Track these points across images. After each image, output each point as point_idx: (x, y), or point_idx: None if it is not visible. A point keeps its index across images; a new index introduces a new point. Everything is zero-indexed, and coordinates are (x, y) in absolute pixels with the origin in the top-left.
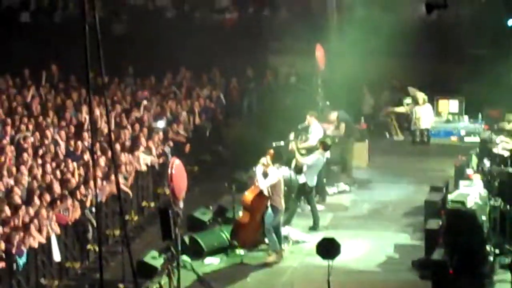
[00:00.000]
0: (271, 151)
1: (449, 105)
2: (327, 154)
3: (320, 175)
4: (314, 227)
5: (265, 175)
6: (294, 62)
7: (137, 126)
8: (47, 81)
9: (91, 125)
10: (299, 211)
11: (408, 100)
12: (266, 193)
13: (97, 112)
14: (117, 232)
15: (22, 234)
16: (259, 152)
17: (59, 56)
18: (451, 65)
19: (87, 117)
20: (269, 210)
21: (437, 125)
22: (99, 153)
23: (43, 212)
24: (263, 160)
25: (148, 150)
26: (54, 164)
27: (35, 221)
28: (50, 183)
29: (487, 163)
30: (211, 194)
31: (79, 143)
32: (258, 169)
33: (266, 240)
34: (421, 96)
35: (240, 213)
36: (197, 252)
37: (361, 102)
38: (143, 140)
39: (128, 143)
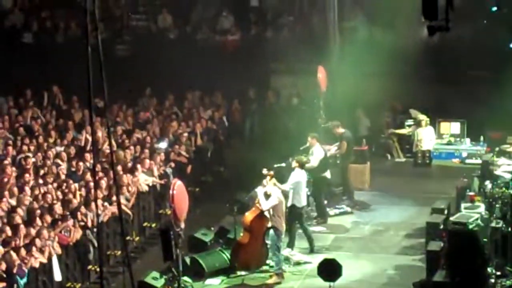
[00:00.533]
0: (271, 172)
1: (451, 127)
2: (327, 173)
3: (319, 196)
4: (311, 249)
5: (266, 196)
6: (296, 83)
7: (138, 147)
8: (49, 102)
9: (93, 146)
10: (299, 232)
11: (409, 122)
12: (267, 214)
13: (99, 133)
14: (118, 253)
15: (23, 254)
16: (260, 174)
17: (61, 77)
18: (452, 87)
19: (89, 138)
20: (271, 231)
21: (439, 147)
22: (100, 174)
23: (45, 232)
24: (264, 182)
25: (149, 171)
26: (55, 185)
27: (37, 241)
28: (51, 203)
29: (488, 185)
30: (212, 215)
31: (81, 163)
32: (259, 191)
33: (268, 261)
34: (423, 118)
35: (241, 234)
36: (198, 273)
37: (356, 124)
38: (146, 161)
39: (130, 164)
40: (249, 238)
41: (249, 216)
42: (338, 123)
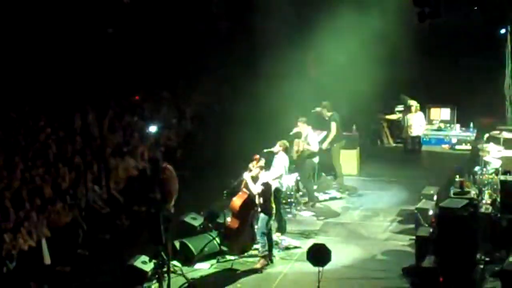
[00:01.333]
0: (257, 156)
1: (441, 113)
2: (316, 159)
3: (309, 180)
4: (279, 229)
5: (254, 180)
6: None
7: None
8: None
9: (83, 129)
10: (289, 216)
11: (399, 108)
12: (256, 198)
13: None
14: (108, 236)
15: (12, 237)
16: (250, 158)
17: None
18: (443, 73)
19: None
20: (261, 215)
21: (429, 133)
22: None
23: (34, 215)
24: (250, 165)
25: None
26: (44, 168)
27: (25, 224)
28: (40, 186)
29: (478, 171)
30: (202, 199)
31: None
32: (246, 175)
33: (256, 246)
34: (413, 103)
35: (228, 219)
36: (187, 257)
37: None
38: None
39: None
40: (238, 223)
41: (237, 201)
42: (327, 103)
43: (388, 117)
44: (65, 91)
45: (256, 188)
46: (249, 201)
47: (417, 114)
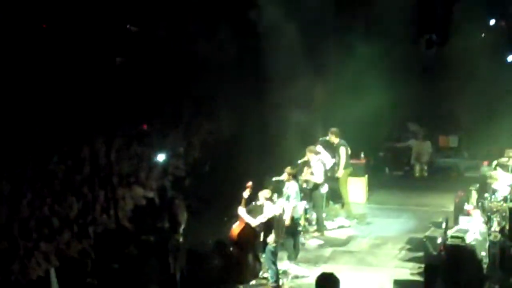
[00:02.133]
0: (249, 184)
1: (449, 141)
2: (325, 188)
3: (319, 209)
4: (290, 258)
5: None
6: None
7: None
8: None
9: (91, 159)
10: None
11: (408, 135)
12: (255, 226)
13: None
14: (116, 265)
15: (21, 267)
16: (259, 187)
17: None
18: (450, 100)
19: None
20: (266, 244)
21: (437, 161)
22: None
23: (42, 245)
24: (244, 194)
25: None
26: (52, 197)
27: (34, 253)
28: (48, 216)
29: (487, 198)
30: (210, 228)
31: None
32: (241, 210)
33: (266, 275)
34: (421, 131)
35: (230, 249)
36: (196, 286)
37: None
38: (141, 174)
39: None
40: (237, 251)
41: (235, 229)
42: (335, 130)
43: (396, 145)
44: (73, 120)
45: (256, 221)
46: (249, 230)
47: (425, 142)
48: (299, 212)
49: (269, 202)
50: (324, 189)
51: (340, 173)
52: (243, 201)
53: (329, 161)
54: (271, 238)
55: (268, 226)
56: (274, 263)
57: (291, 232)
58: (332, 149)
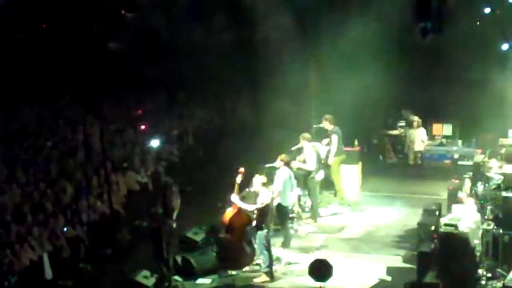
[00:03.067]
0: (241, 170)
1: (443, 129)
2: (321, 175)
3: (314, 196)
4: (284, 244)
5: (256, 196)
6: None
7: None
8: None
9: (85, 144)
10: (291, 231)
11: (401, 123)
12: (247, 211)
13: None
14: (109, 251)
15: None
16: (252, 173)
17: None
18: (445, 88)
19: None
20: (259, 230)
21: (431, 148)
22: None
23: (36, 230)
24: (237, 179)
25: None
26: (46, 183)
27: (27, 238)
28: (42, 201)
29: (480, 186)
30: (204, 214)
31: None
32: (234, 197)
33: (258, 261)
34: (415, 119)
35: (222, 234)
36: (189, 272)
37: None
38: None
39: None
40: (230, 236)
41: (227, 214)
42: (330, 117)
43: (390, 132)
44: (67, 106)
45: (252, 206)
46: (241, 215)
47: (419, 130)
48: (292, 199)
49: (264, 188)
50: (320, 176)
51: (331, 160)
52: (236, 187)
53: (323, 148)
54: (262, 224)
55: (262, 212)
56: (267, 249)
57: (279, 219)
58: (326, 137)
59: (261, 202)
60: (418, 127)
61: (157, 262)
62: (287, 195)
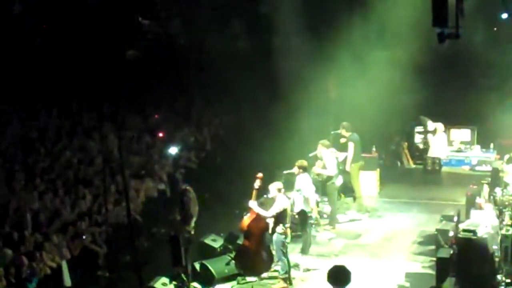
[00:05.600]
0: (260, 175)
1: (461, 134)
2: (340, 180)
3: (333, 202)
4: (303, 251)
5: (271, 202)
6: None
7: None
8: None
9: (102, 151)
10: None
11: (419, 129)
12: (266, 218)
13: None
14: (128, 258)
15: (32, 258)
16: (270, 179)
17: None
18: (463, 94)
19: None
20: (275, 235)
21: (449, 154)
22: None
23: (54, 237)
24: (255, 185)
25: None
26: (65, 189)
27: (46, 245)
28: (60, 208)
29: (498, 192)
30: (222, 221)
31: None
32: (252, 203)
33: (275, 267)
34: (433, 125)
35: (241, 240)
36: (207, 279)
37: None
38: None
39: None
40: (248, 242)
41: (245, 220)
42: (347, 124)
43: (408, 138)
44: (84, 112)
45: (269, 213)
46: (259, 221)
47: (437, 135)
48: (311, 205)
49: (280, 194)
50: (339, 181)
51: (348, 167)
52: (254, 193)
53: (341, 154)
54: (280, 230)
55: (279, 218)
56: (285, 255)
57: (301, 225)
58: (344, 143)
59: (278, 208)
60: (436, 132)
61: (176, 269)
62: (309, 200)
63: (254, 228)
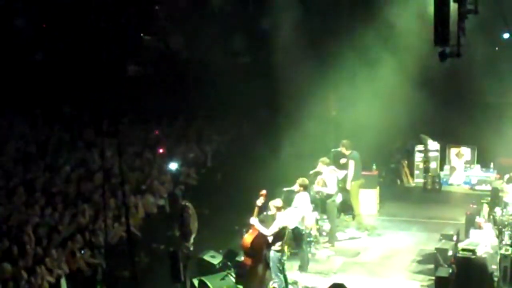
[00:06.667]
0: (263, 192)
1: (461, 153)
2: (339, 198)
3: (333, 220)
4: (301, 268)
5: (271, 220)
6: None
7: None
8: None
9: (103, 166)
10: (309, 256)
11: (419, 148)
12: (269, 237)
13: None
14: (126, 274)
15: (31, 273)
16: (270, 197)
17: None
18: (463, 113)
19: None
20: (272, 252)
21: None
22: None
23: (53, 252)
24: (258, 202)
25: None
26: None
27: (45, 260)
28: (60, 223)
29: (498, 212)
30: (221, 237)
31: (90, 184)
32: (253, 220)
33: (273, 284)
34: (433, 143)
35: (242, 258)
36: None
37: None
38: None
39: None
40: (251, 260)
41: (247, 238)
42: (347, 142)
43: (409, 157)
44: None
45: (269, 231)
46: (261, 239)
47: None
48: (307, 224)
49: (280, 211)
50: (338, 199)
51: (349, 185)
52: (256, 210)
53: (341, 172)
54: (277, 247)
55: (277, 235)
56: (281, 272)
57: (296, 243)
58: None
59: (278, 226)
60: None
61: (175, 285)
62: (306, 219)
63: (256, 246)
